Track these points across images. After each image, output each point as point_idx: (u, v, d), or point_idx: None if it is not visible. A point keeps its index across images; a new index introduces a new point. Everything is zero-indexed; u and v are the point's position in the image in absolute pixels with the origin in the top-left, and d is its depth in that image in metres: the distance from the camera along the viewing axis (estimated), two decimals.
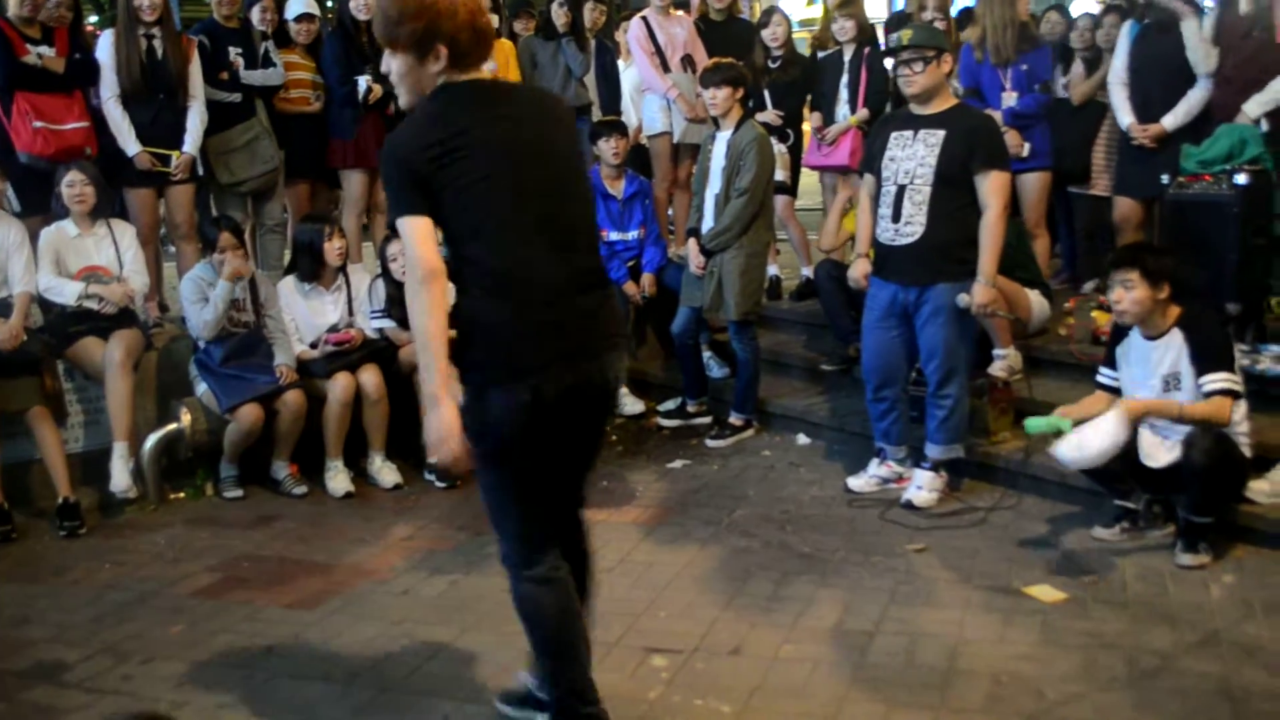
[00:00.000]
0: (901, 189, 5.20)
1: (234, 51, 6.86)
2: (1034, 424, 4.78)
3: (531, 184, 3.03)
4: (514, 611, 3.29)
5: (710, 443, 6.50)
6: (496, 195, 2.97)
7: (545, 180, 3.07)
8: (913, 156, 5.18)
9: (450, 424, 2.94)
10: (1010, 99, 6.81)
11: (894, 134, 5.30)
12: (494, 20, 7.78)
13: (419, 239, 2.92)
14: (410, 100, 3.07)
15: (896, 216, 5.21)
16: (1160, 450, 4.69)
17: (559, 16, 7.72)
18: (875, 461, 5.69)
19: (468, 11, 2.96)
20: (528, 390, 3.00)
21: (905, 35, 5.23)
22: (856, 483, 5.66)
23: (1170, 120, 6.26)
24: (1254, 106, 5.96)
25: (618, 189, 7.11)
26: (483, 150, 2.96)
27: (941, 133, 5.14)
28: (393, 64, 3.02)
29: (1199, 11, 6.26)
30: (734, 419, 6.59)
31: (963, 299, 5.12)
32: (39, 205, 6.11)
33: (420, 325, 2.97)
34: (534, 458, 3.11)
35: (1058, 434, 4.67)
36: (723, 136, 6.29)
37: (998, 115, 6.58)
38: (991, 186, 5.08)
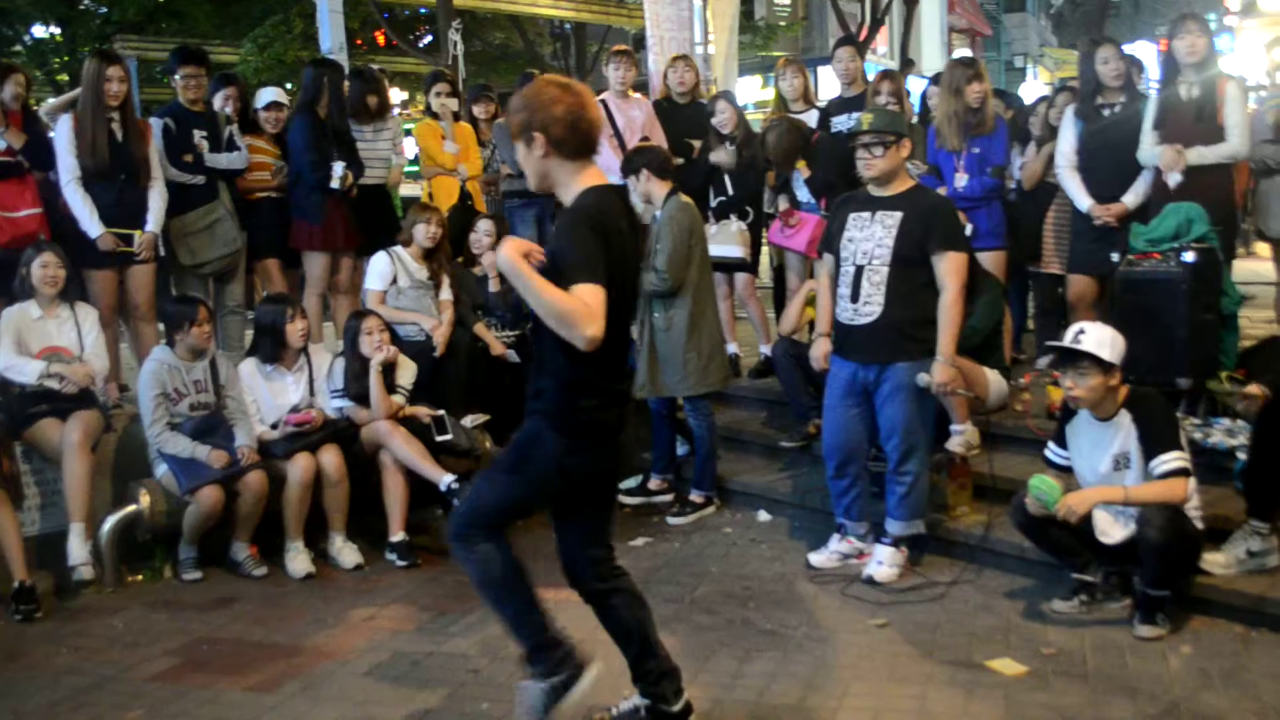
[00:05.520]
0: (860, 269, 5.28)
1: (199, 135, 6.92)
2: (1039, 485, 4.78)
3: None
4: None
5: (672, 520, 6.51)
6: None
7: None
8: (870, 238, 5.27)
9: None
10: (961, 181, 6.99)
11: (852, 215, 5.38)
12: (454, 104, 7.93)
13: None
14: (535, 185, 3.62)
15: (855, 296, 5.29)
16: (1114, 527, 4.77)
17: None
18: (836, 537, 5.72)
19: (566, 109, 3.45)
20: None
21: (865, 119, 5.33)
22: (818, 559, 5.69)
23: (1131, 198, 6.39)
24: (1130, 198, 6.36)
25: None
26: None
27: (899, 214, 5.23)
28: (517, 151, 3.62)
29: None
30: (695, 496, 6.62)
31: (923, 378, 5.19)
32: None
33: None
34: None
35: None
36: (658, 214, 6.37)
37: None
38: (949, 267, 5.17)
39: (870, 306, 5.26)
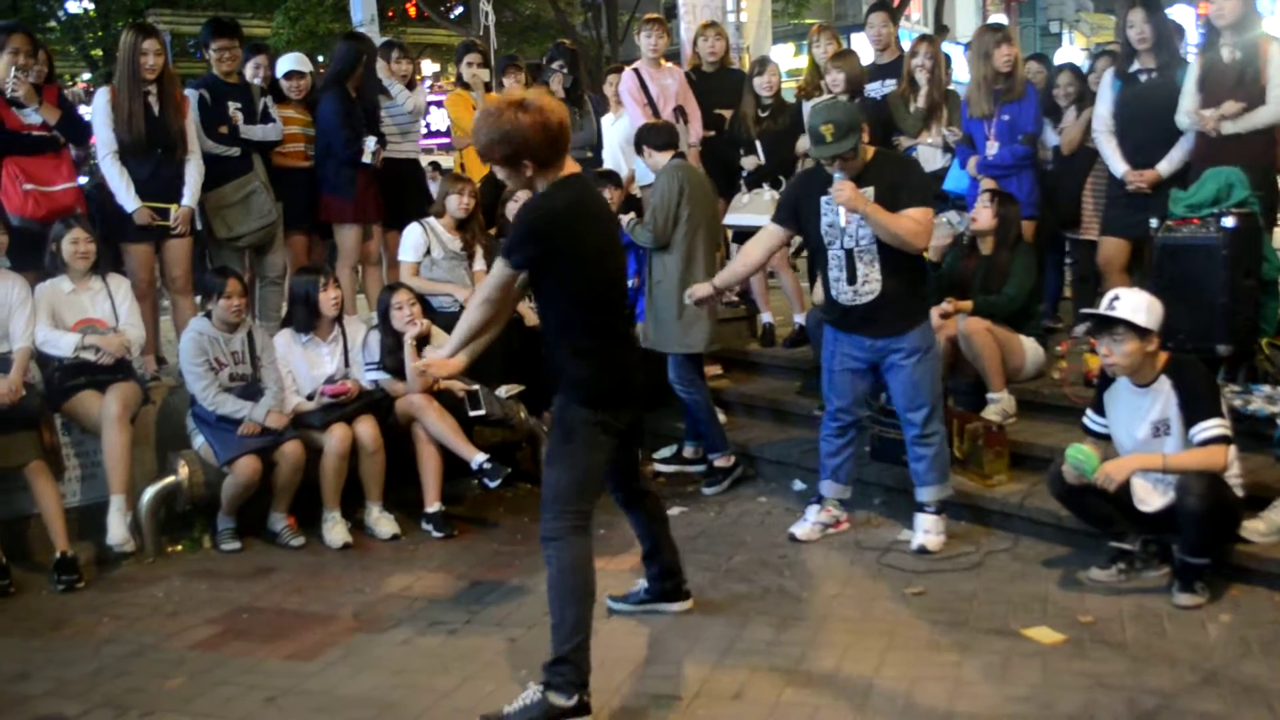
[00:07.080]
0: (850, 253, 5.21)
1: (233, 106, 6.90)
2: (1076, 454, 4.76)
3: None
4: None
5: (706, 490, 6.52)
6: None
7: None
8: (852, 219, 5.15)
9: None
10: (991, 149, 6.93)
11: (824, 199, 5.24)
12: (485, 74, 7.92)
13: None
14: (518, 189, 4.36)
15: (852, 279, 5.24)
16: (1153, 494, 4.73)
17: (560, 80, 7.80)
18: (815, 508, 5.73)
19: (542, 130, 3.82)
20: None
21: (827, 132, 5.02)
22: (801, 531, 5.68)
23: (1166, 166, 6.26)
24: (1165, 165, 6.23)
25: None
26: None
27: (870, 190, 5.12)
28: (495, 169, 4.07)
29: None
30: (717, 461, 6.61)
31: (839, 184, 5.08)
32: (27, 263, 6.13)
33: None
34: None
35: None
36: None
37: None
38: (916, 215, 5.10)
39: (869, 286, 5.22)
